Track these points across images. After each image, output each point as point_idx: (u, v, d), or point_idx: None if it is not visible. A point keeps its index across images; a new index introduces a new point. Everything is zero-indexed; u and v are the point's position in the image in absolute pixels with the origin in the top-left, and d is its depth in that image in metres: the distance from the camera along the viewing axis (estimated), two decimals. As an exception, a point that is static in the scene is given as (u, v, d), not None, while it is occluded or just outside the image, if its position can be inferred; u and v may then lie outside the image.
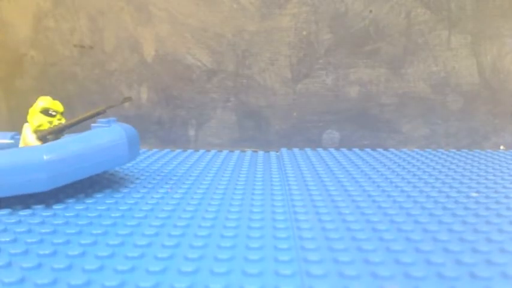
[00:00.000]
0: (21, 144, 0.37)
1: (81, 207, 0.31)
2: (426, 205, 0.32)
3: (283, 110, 0.56)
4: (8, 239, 0.25)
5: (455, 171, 0.42)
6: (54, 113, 0.36)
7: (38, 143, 0.35)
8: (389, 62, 0.55)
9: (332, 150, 0.55)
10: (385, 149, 0.56)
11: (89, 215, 0.30)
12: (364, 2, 0.54)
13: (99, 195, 0.34)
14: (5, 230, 0.27)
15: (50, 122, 0.36)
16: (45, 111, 0.36)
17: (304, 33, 0.55)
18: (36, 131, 0.36)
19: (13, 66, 0.58)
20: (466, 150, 0.54)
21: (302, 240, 0.25)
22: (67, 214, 0.30)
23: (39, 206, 0.31)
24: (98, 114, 0.36)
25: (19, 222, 0.28)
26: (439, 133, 0.56)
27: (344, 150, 0.55)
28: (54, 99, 0.37)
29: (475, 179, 0.39)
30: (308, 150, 0.54)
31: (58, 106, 0.37)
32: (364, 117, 0.56)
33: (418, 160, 0.48)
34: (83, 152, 0.31)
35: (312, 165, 0.45)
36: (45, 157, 0.29)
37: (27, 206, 0.32)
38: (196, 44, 0.56)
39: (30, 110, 0.36)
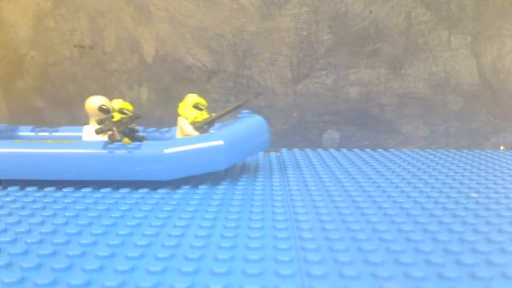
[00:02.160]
0: (178, 135, 0.43)
1: (81, 207, 0.31)
2: (426, 205, 0.32)
3: (283, 111, 0.56)
4: (8, 239, 0.25)
5: (455, 172, 0.42)
6: (202, 107, 0.42)
7: (196, 132, 0.41)
8: (389, 63, 0.55)
9: (332, 150, 0.55)
10: (385, 149, 0.56)
11: (89, 215, 0.30)
12: (364, 2, 0.54)
13: (99, 196, 0.34)
14: (5, 230, 0.27)
15: (201, 115, 0.42)
16: (196, 106, 0.42)
17: (304, 33, 0.55)
18: (193, 123, 0.41)
19: (13, 66, 0.58)
20: (466, 151, 0.54)
21: (302, 240, 0.25)
22: (67, 214, 0.30)
23: (39, 206, 0.31)
24: (239, 106, 0.42)
25: (19, 222, 0.28)
26: (439, 133, 0.56)
27: (344, 150, 0.55)
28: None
29: (475, 180, 0.39)
30: (308, 151, 0.54)
31: (204, 101, 0.43)
32: (364, 117, 0.56)
33: (418, 160, 0.48)
34: (248, 136, 0.38)
35: (312, 166, 0.45)
36: (222, 142, 0.35)
37: (27, 206, 0.32)
38: (196, 44, 0.56)
39: (181, 105, 0.42)
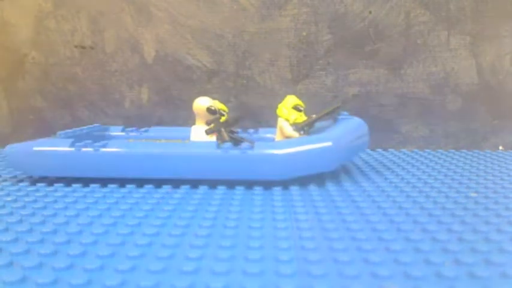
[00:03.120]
0: (278, 136, 0.43)
1: (81, 206, 0.31)
2: (425, 205, 0.32)
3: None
4: (9, 239, 0.25)
5: (454, 172, 0.42)
6: (301, 109, 0.42)
7: (297, 133, 0.41)
8: (388, 63, 0.55)
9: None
10: (385, 149, 0.56)
11: (90, 214, 0.30)
12: (363, 2, 0.54)
13: (99, 195, 0.34)
14: (6, 230, 0.27)
15: (300, 116, 0.42)
16: (296, 107, 0.42)
17: (304, 34, 0.55)
18: (293, 124, 0.42)
19: (14, 67, 0.58)
20: (465, 151, 0.54)
21: (302, 240, 0.25)
22: (68, 214, 0.30)
23: (39, 206, 0.32)
24: (337, 108, 0.43)
25: (20, 221, 0.29)
26: (438, 133, 0.56)
27: (344, 150, 0.55)
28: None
29: (474, 179, 0.39)
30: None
31: (302, 103, 0.43)
32: (363, 117, 0.56)
33: (417, 160, 0.48)
34: (353, 137, 0.39)
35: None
36: (331, 143, 0.36)
37: (28, 206, 0.32)
38: (196, 44, 0.56)
39: (280, 106, 0.43)
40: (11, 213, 0.30)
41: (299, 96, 0.44)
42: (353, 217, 0.29)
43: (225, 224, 0.28)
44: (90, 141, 0.38)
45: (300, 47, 0.55)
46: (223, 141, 0.39)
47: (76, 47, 0.57)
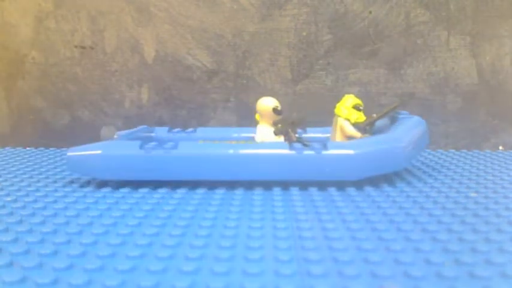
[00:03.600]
0: (338, 136, 0.43)
1: (81, 207, 0.31)
2: (425, 205, 0.32)
3: (283, 111, 0.56)
4: (9, 239, 0.25)
5: (454, 172, 0.42)
6: (361, 108, 0.42)
7: (359, 133, 0.41)
8: (388, 63, 0.55)
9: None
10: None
11: (90, 214, 0.30)
12: (363, 2, 0.54)
13: (99, 195, 0.34)
14: (6, 230, 0.27)
15: (360, 116, 0.42)
16: (356, 107, 0.42)
17: (304, 34, 0.55)
18: (355, 124, 0.42)
19: (14, 67, 0.58)
20: (465, 151, 0.54)
21: (302, 239, 0.25)
22: (67, 214, 0.30)
23: (39, 206, 0.32)
24: (396, 107, 0.43)
25: (20, 221, 0.29)
26: (438, 133, 0.56)
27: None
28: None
29: (474, 179, 0.39)
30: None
31: (362, 102, 0.43)
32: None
33: (417, 160, 0.48)
34: (418, 135, 0.39)
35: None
36: (403, 143, 0.37)
37: (27, 206, 0.32)
38: (196, 44, 0.56)
39: (338, 106, 0.43)
40: (11, 213, 0.30)
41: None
42: (353, 217, 0.29)
43: (225, 224, 0.28)
44: (155, 143, 0.37)
45: (300, 47, 0.55)
46: (291, 142, 0.38)
47: (76, 47, 0.57)
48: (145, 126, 0.50)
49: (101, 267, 0.22)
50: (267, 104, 0.41)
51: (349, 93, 0.45)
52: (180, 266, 0.22)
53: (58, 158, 0.50)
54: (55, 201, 0.33)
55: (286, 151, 0.36)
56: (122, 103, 0.58)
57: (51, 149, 0.56)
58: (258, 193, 0.35)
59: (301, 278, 0.21)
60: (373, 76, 0.55)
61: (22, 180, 0.39)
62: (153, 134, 0.50)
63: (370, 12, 0.54)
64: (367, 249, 0.24)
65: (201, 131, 0.51)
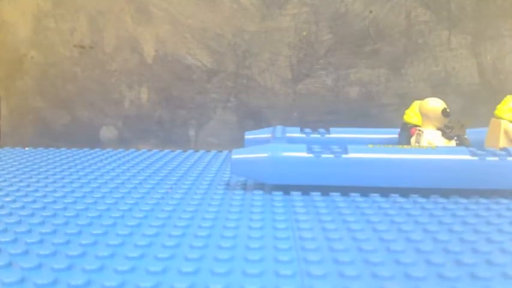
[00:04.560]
0: (503, 141, 0.39)
1: (81, 207, 0.31)
2: (426, 205, 0.32)
3: (283, 111, 0.56)
4: (8, 239, 0.25)
5: (455, 172, 0.42)
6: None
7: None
8: (389, 63, 0.55)
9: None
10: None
11: (89, 215, 0.30)
12: (364, 2, 0.54)
13: (98, 196, 0.34)
14: (5, 230, 0.27)
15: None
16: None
17: (305, 33, 0.55)
18: None
19: (13, 67, 0.58)
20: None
21: (302, 240, 0.25)
22: (67, 214, 0.30)
23: (39, 206, 0.31)
24: None
25: (19, 222, 0.28)
26: (439, 133, 0.56)
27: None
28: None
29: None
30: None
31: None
32: (364, 117, 0.56)
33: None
34: None
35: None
36: None
37: (26, 206, 0.32)
38: (196, 44, 0.56)
39: (500, 107, 0.40)
40: (10, 214, 0.30)
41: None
42: (354, 217, 0.29)
43: (225, 225, 0.28)
44: (318, 146, 0.35)
45: (301, 47, 0.55)
46: (463, 145, 0.36)
47: (75, 46, 0.57)
48: (280, 126, 0.47)
49: (100, 267, 0.22)
50: (435, 105, 0.38)
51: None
52: (180, 266, 0.22)
53: (57, 158, 0.49)
54: (54, 202, 0.33)
55: (468, 157, 0.33)
56: (121, 103, 0.58)
57: (50, 149, 0.56)
58: (258, 193, 0.35)
59: (301, 278, 0.21)
60: (374, 76, 0.55)
61: (21, 181, 0.39)
62: (290, 135, 0.47)
63: (371, 12, 0.54)
64: (368, 250, 0.24)
65: (335, 132, 0.47)
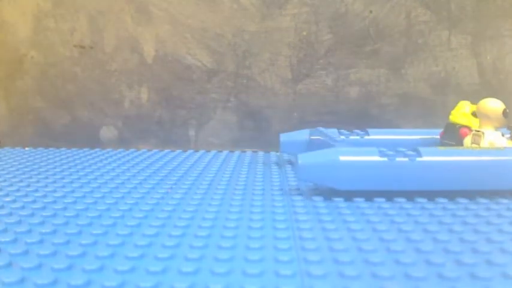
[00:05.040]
0: None
1: (81, 207, 0.31)
2: (426, 206, 0.32)
3: (283, 111, 0.56)
4: (8, 239, 0.25)
5: (455, 172, 0.42)
6: None
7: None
8: (389, 62, 0.55)
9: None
10: (385, 149, 0.55)
11: (89, 215, 0.30)
12: (364, 2, 0.54)
13: (98, 196, 0.34)
14: (5, 230, 0.27)
15: None
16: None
17: (305, 33, 0.55)
18: None
19: (13, 67, 0.58)
20: (466, 151, 0.54)
21: (302, 240, 0.25)
22: (67, 214, 0.30)
23: (39, 206, 0.31)
24: None
25: (19, 222, 0.28)
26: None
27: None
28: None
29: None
30: (308, 151, 0.54)
31: None
32: (364, 117, 0.56)
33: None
34: None
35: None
36: None
37: (26, 206, 0.32)
38: (196, 44, 0.56)
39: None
40: (10, 214, 0.30)
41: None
42: (354, 217, 0.29)
43: (225, 225, 0.28)
44: (386, 149, 0.34)
45: (301, 47, 0.55)
46: None
47: (75, 46, 0.57)
48: (321, 128, 0.46)
49: (100, 267, 0.22)
50: (495, 105, 0.37)
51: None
52: (180, 266, 0.22)
53: (57, 158, 0.49)
54: (54, 202, 0.33)
55: None
56: (121, 103, 0.57)
57: (50, 149, 0.56)
58: (258, 193, 0.35)
59: (301, 278, 0.21)
60: (374, 76, 0.55)
61: (21, 181, 0.39)
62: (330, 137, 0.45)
63: (371, 12, 0.54)
64: (368, 250, 0.24)
65: (374, 133, 0.45)
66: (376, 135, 0.45)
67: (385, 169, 0.33)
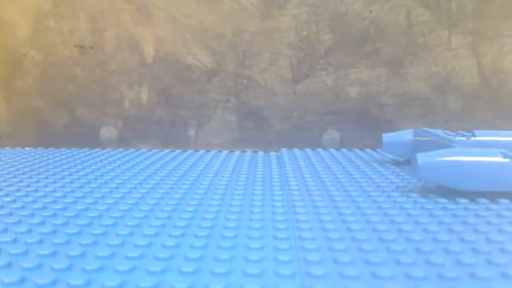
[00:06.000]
0: None
1: (81, 207, 0.31)
2: (426, 205, 0.32)
3: (283, 110, 0.56)
4: (8, 239, 0.25)
5: (455, 172, 0.42)
6: None
7: None
8: (389, 62, 0.55)
9: (332, 150, 0.54)
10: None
11: (89, 215, 0.30)
12: (364, 2, 0.54)
13: (98, 196, 0.34)
14: (5, 230, 0.27)
15: None
16: None
17: (305, 33, 0.55)
18: None
19: (13, 67, 0.58)
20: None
21: (302, 240, 0.25)
22: (67, 214, 0.30)
23: (39, 206, 0.31)
24: None
25: (19, 222, 0.28)
26: (439, 133, 0.56)
27: (344, 150, 0.55)
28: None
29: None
30: (308, 151, 0.54)
31: None
32: (364, 117, 0.56)
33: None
34: None
35: (312, 166, 0.45)
36: None
37: (26, 206, 0.32)
38: (196, 44, 0.56)
39: None
40: (10, 214, 0.30)
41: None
42: (354, 217, 0.29)
43: (225, 225, 0.28)
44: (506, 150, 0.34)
45: (301, 47, 0.55)
46: None
47: (75, 46, 0.57)
48: (426, 129, 0.45)
49: (100, 267, 0.22)
50: None
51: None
52: (180, 266, 0.22)
53: (57, 158, 0.49)
54: (54, 202, 0.33)
55: None
56: (121, 103, 0.57)
57: (50, 149, 0.56)
58: (257, 193, 0.35)
59: (301, 278, 0.21)
60: (374, 76, 0.55)
61: (21, 181, 0.39)
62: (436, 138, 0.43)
63: (371, 12, 0.54)
64: (368, 250, 0.24)
65: (481, 135, 0.42)
66: (484, 136, 0.43)
67: (508, 170, 0.33)
